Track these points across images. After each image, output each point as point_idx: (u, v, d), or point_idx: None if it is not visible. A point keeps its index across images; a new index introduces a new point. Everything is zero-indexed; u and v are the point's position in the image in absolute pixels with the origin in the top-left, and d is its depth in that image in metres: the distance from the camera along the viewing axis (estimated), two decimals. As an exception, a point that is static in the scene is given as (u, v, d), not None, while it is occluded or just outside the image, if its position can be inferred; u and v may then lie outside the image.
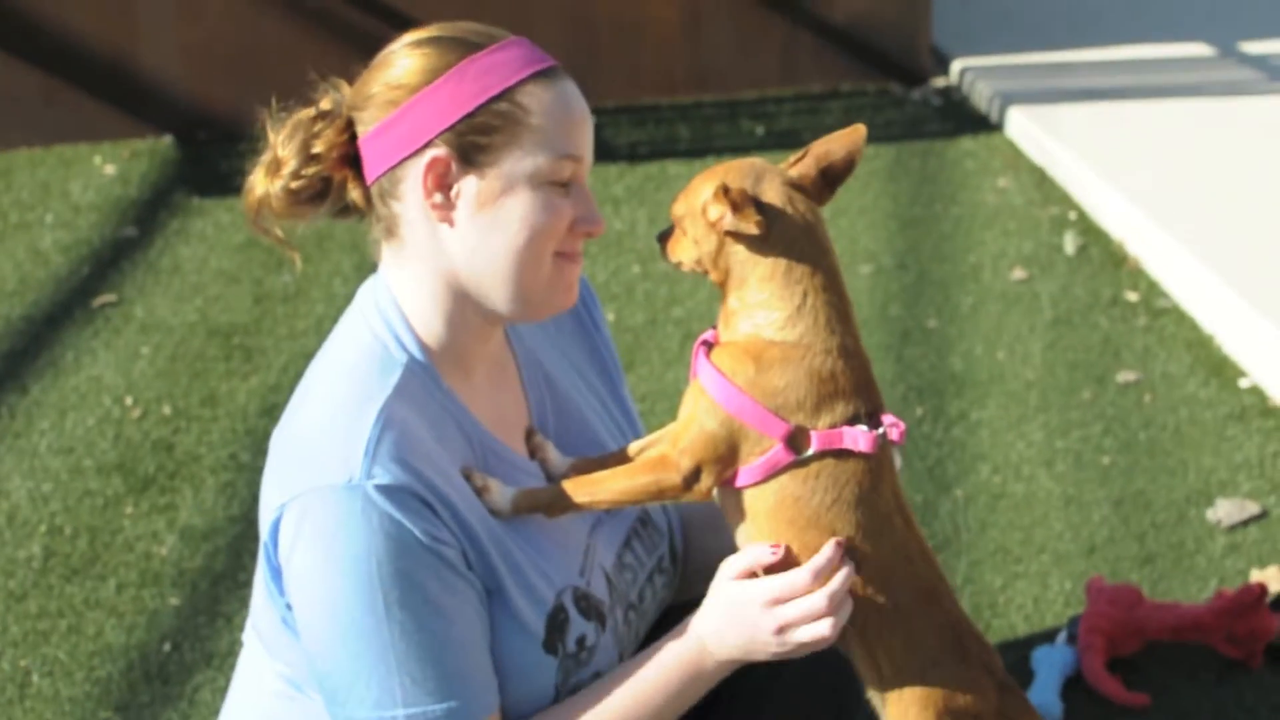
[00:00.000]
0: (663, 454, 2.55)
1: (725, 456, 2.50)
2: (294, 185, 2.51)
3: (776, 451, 2.46)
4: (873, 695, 2.62)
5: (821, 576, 2.46)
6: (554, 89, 2.48)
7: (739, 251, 2.48)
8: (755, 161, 2.54)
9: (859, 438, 2.47)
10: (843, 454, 2.47)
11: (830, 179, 2.55)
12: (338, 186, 2.54)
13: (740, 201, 2.43)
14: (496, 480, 2.58)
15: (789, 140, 7.07)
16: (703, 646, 2.56)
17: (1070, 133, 6.83)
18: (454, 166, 2.44)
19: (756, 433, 2.47)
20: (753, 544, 2.53)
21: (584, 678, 2.63)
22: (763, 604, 2.49)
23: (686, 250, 2.54)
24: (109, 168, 6.83)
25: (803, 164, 2.54)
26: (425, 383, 2.52)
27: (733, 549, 2.89)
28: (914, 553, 2.55)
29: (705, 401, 2.50)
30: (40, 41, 7.00)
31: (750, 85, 7.60)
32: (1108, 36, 7.98)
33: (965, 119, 7.38)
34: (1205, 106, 7.14)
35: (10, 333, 5.54)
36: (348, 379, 2.51)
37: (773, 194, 2.47)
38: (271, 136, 2.55)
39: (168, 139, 7.11)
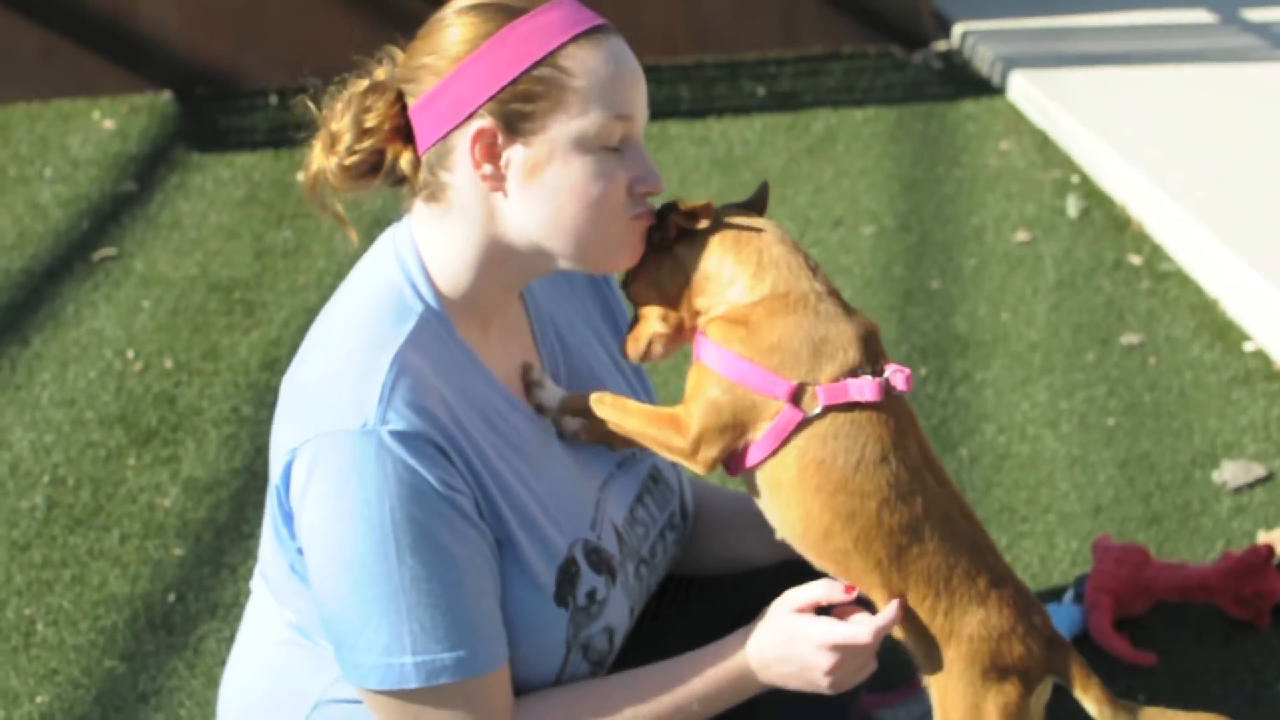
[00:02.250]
0: (675, 411, 2.55)
1: (729, 426, 2.48)
2: (348, 161, 2.48)
3: (785, 413, 2.45)
4: (916, 653, 2.61)
5: (881, 634, 2.51)
6: (600, 49, 2.43)
7: (684, 253, 2.52)
8: None
9: (865, 387, 2.45)
10: (854, 408, 2.46)
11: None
12: (391, 159, 2.50)
13: (668, 216, 2.51)
14: (551, 380, 2.63)
15: (789, 101, 7.06)
16: (749, 667, 2.59)
17: (1072, 97, 6.81)
18: (500, 137, 2.41)
19: (762, 398, 2.46)
20: (825, 580, 2.56)
21: (594, 631, 2.63)
22: (820, 645, 2.52)
23: (650, 321, 2.58)
24: (108, 122, 6.80)
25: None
26: (439, 332, 2.50)
27: (756, 551, 2.91)
28: (952, 510, 2.54)
29: (707, 375, 2.50)
30: (40, -4, 6.97)
31: (751, 46, 7.57)
32: (1110, 1, 7.95)
33: (967, 82, 7.36)
34: (1208, 72, 7.12)
35: (10, 286, 5.51)
36: (362, 325, 2.50)
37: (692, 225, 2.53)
38: (326, 111, 2.52)
39: (167, 94, 7.08)
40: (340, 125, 2.48)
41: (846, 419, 2.46)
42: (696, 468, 2.53)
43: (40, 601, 3.99)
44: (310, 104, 2.55)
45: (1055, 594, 3.95)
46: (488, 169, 2.42)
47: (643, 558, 2.78)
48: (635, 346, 2.61)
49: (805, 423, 2.45)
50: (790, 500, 2.50)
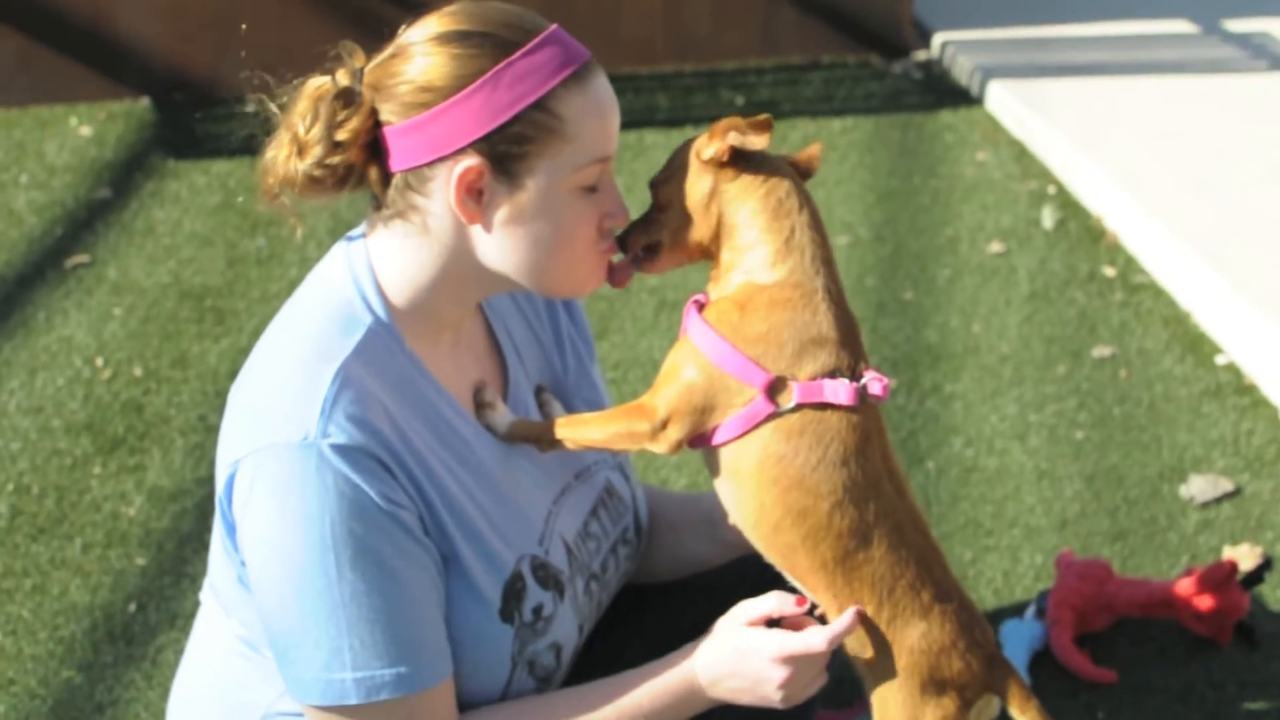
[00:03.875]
0: (640, 401, 2.55)
1: (700, 408, 2.49)
2: (318, 173, 2.45)
3: (757, 403, 2.46)
4: (856, 662, 2.61)
5: (835, 642, 2.50)
6: (586, 91, 2.42)
7: (730, 190, 2.50)
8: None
9: (840, 390, 2.47)
10: (826, 409, 2.47)
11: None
12: (359, 171, 2.48)
13: (738, 126, 2.47)
14: (504, 403, 2.62)
15: (768, 111, 7.02)
16: (697, 682, 2.57)
17: (1051, 108, 6.81)
18: (486, 175, 2.40)
19: (737, 383, 2.47)
20: (777, 593, 2.55)
21: (540, 647, 2.62)
22: (773, 658, 2.51)
23: (672, 219, 2.54)
24: (85, 129, 6.78)
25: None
26: (388, 344, 2.49)
27: (706, 552, 2.90)
28: (905, 521, 2.54)
29: (688, 350, 2.51)
30: (16, 3, 6.93)
31: (730, 55, 7.56)
32: (1090, 12, 7.95)
33: (945, 92, 7.35)
34: (1186, 84, 7.12)
35: (-19, 292, 5.51)
36: (308, 337, 2.49)
37: (758, 144, 2.48)
38: (288, 114, 2.48)
39: (144, 101, 7.06)
40: (310, 134, 2.44)
41: (815, 417, 2.47)
42: (660, 447, 2.53)
43: (0, 611, 3.97)
44: (267, 101, 2.52)
45: (1018, 609, 3.94)
46: (470, 204, 2.41)
47: (593, 573, 2.77)
48: (636, 243, 2.59)
49: (774, 415, 2.46)
50: (746, 488, 2.51)
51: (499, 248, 2.45)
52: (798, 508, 2.48)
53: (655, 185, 2.58)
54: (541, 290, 2.54)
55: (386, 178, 2.46)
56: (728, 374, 2.47)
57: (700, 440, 2.52)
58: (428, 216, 2.44)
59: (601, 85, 2.46)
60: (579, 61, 2.42)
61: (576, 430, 2.61)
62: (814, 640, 2.50)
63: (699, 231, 2.53)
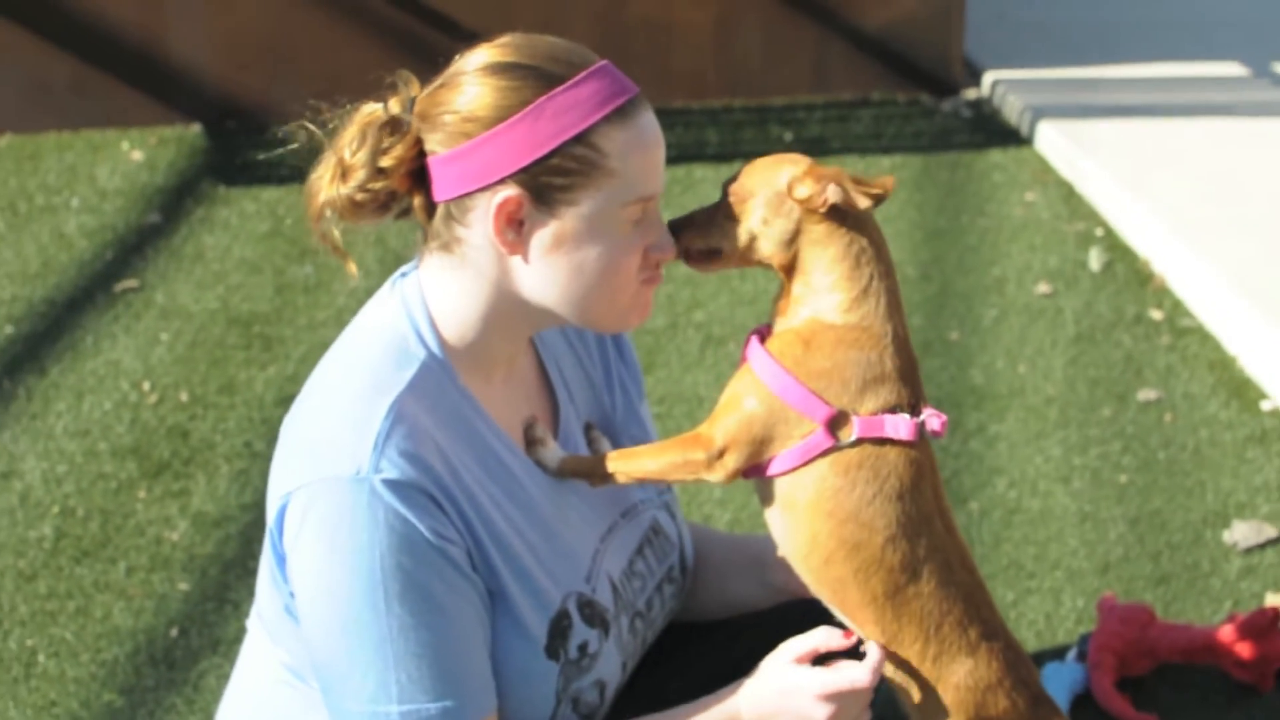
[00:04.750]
0: (696, 431, 2.56)
1: (759, 439, 2.50)
2: (359, 197, 2.46)
3: (817, 436, 2.47)
4: (902, 701, 2.62)
5: (878, 674, 2.51)
6: (632, 127, 2.42)
7: (814, 232, 2.49)
8: (799, 157, 2.54)
9: (900, 425, 2.48)
10: (884, 443, 2.48)
11: None
12: (403, 199, 2.49)
13: (840, 179, 2.44)
14: (554, 440, 2.62)
15: (817, 147, 7.05)
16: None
17: (1100, 148, 6.80)
18: (526, 207, 2.40)
19: (797, 415, 2.47)
20: (824, 628, 2.56)
21: (585, 684, 2.62)
22: (817, 696, 2.51)
23: (740, 234, 2.52)
24: (136, 154, 6.83)
25: None
26: (441, 380, 2.50)
27: (753, 595, 2.91)
28: (954, 559, 2.55)
29: (749, 380, 2.51)
30: (72, 28, 6.99)
31: (781, 91, 7.57)
32: (1141, 53, 7.95)
33: (995, 131, 7.34)
34: (1237, 126, 7.11)
35: (31, 315, 5.53)
36: (362, 370, 2.49)
37: (862, 205, 2.47)
38: (338, 138, 2.49)
39: (196, 127, 7.11)
40: (355, 159, 2.45)
41: (874, 452, 2.48)
42: (716, 476, 2.53)
43: (44, 633, 3.99)
44: (311, 127, 2.53)
45: (1059, 652, 3.93)
46: (510, 235, 2.42)
47: (638, 611, 2.77)
48: (692, 242, 2.57)
49: (833, 449, 2.47)
50: (800, 520, 2.52)
51: (540, 279, 2.46)
52: (852, 541, 2.48)
53: (731, 193, 2.54)
54: (585, 323, 2.54)
55: (431, 208, 2.47)
56: (789, 406, 2.47)
57: (755, 471, 2.53)
58: (470, 248, 2.45)
59: (648, 121, 2.45)
60: (625, 96, 2.42)
61: (630, 463, 2.61)
62: (858, 676, 2.50)
63: (772, 257, 2.52)
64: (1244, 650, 3.79)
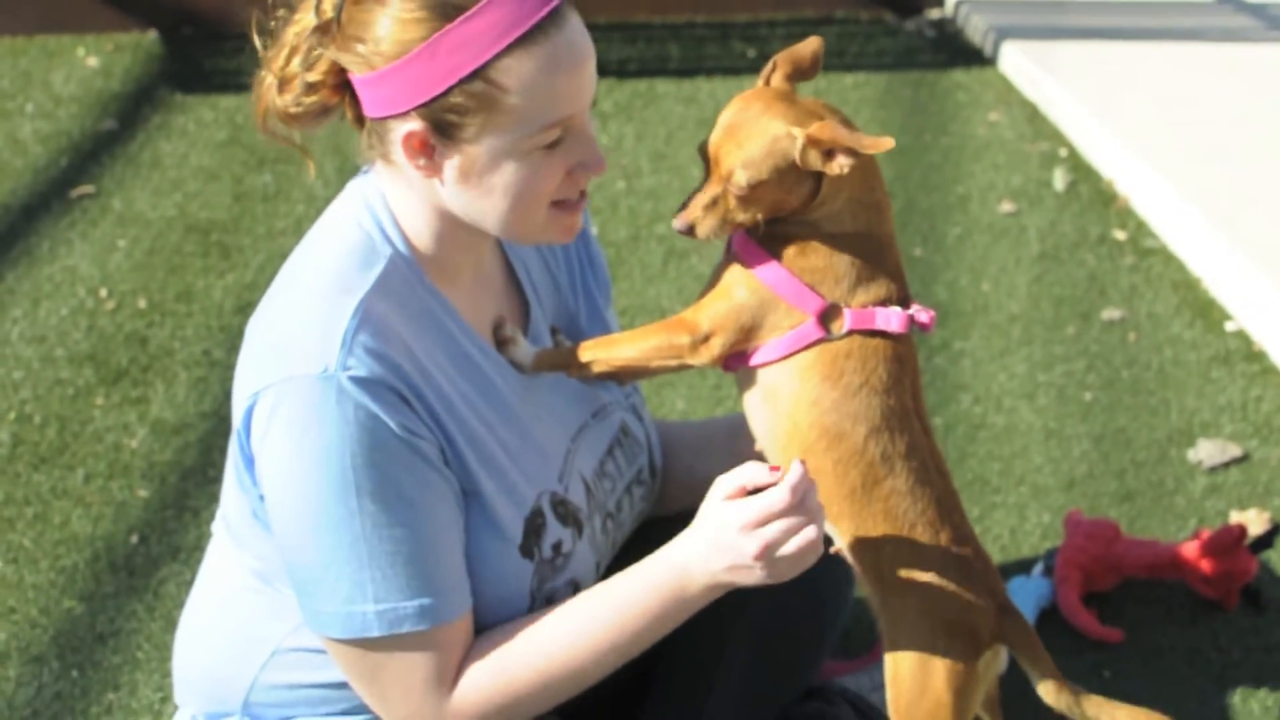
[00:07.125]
0: (680, 316, 2.56)
1: (747, 327, 2.50)
2: (294, 110, 2.45)
3: (807, 327, 2.46)
4: (872, 600, 2.61)
5: (799, 492, 2.36)
6: (536, 55, 2.32)
7: (836, 180, 2.44)
8: (777, 92, 2.49)
9: (892, 317, 2.48)
10: (874, 336, 2.48)
11: (798, 81, 2.55)
12: (337, 108, 2.47)
13: (845, 142, 2.38)
14: (524, 337, 2.61)
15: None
16: (686, 571, 2.46)
17: (1064, 70, 6.77)
18: (431, 139, 2.37)
19: (787, 306, 2.47)
20: (751, 463, 2.43)
21: (559, 584, 2.60)
22: (741, 527, 2.38)
23: (759, 208, 2.47)
24: (91, 60, 6.73)
25: (778, 76, 2.53)
26: (409, 278, 2.48)
27: (723, 470, 2.86)
28: (928, 459, 2.54)
29: (739, 272, 2.50)
30: (26, -71, 6.90)
31: (743, 7, 7.51)
32: (1106, -24, 7.92)
33: (958, 52, 7.30)
34: (1202, 51, 7.08)
35: (-15, 220, 5.47)
36: (328, 269, 2.47)
37: (872, 149, 2.40)
38: (274, 47, 2.46)
39: (152, 34, 7.01)
40: (289, 69, 2.44)
41: (862, 343, 2.48)
42: (700, 360, 2.53)
43: (2, 539, 3.95)
44: (255, 36, 2.50)
45: (1024, 566, 3.93)
46: (422, 161, 2.40)
47: (609, 512, 2.77)
48: (691, 218, 2.51)
49: (822, 340, 2.47)
50: (782, 409, 2.51)
51: (459, 200, 2.44)
52: (834, 430, 2.49)
53: (731, 180, 2.46)
54: (510, 239, 2.53)
55: (362, 120, 2.46)
56: (780, 297, 2.46)
57: (737, 360, 2.52)
58: (403, 165, 2.44)
59: (563, 41, 2.35)
60: (530, 21, 2.32)
61: (607, 350, 2.60)
62: (774, 498, 2.35)
63: (786, 206, 2.48)
64: (1209, 567, 3.79)
